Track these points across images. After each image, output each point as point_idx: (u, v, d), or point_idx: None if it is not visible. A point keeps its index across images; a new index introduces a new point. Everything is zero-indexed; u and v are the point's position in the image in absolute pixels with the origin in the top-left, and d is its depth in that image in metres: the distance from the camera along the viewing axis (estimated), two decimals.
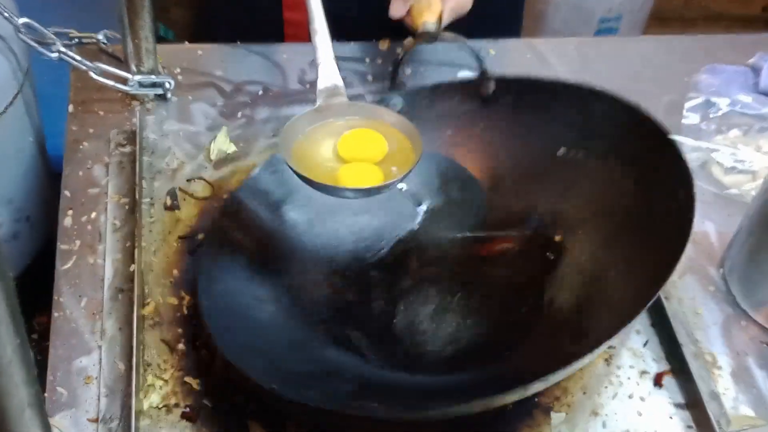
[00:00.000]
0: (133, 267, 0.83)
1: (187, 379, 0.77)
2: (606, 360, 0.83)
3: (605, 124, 0.89)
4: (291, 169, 0.76)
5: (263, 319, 0.80)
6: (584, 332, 0.78)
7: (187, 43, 1.12)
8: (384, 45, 1.11)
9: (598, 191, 0.88)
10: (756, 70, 1.14)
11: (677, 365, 0.82)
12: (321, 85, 0.82)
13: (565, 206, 0.90)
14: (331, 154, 0.80)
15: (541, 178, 0.92)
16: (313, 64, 0.84)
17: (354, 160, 0.79)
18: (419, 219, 0.93)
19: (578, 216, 0.88)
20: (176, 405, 0.75)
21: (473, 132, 0.94)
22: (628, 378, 0.82)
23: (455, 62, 1.10)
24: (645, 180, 0.85)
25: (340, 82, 0.82)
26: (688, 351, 0.81)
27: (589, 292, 0.82)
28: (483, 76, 0.93)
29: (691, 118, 1.07)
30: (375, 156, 0.80)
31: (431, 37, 0.95)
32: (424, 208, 0.93)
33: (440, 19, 0.96)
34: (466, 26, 1.18)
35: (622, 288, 0.80)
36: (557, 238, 0.88)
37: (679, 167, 0.80)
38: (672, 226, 0.77)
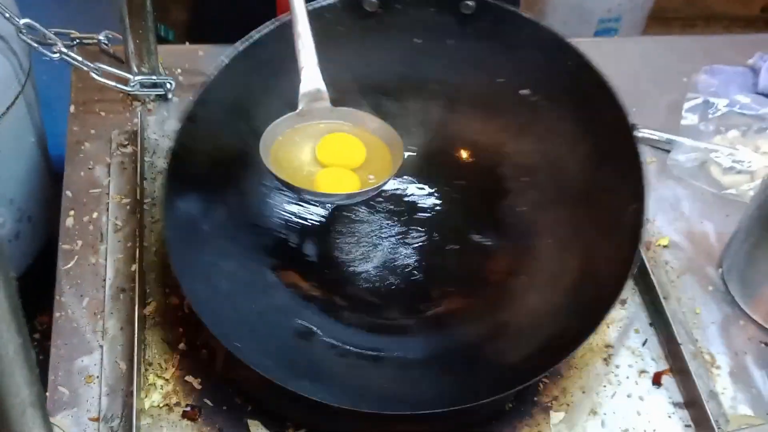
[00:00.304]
0: (134, 267, 0.83)
1: (188, 378, 0.77)
2: (605, 359, 0.83)
3: (570, 80, 0.88)
4: (269, 171, 0.76)
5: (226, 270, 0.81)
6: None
7: (188, 43, 1.13)
8: None
9: (549, 145, 0.88)
10: (755, 71, 1.14)
11: (676, 364, 0.82)
12: (303, 89, 0.81)
13: (515, 148, 0.90)
14: (310, 157, 0.81)
15: (498, 111, 0.92)
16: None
17: (332, 164, 0.80)
18: None
19: (526, 163, 0.89)
20: (177, 404, 0.76)
21: (442, 46, 0.92)
22: (627, 377, 0.82)
23: None
24: (598, 159, 0.85)
25: (323, 87, 0.81)
26: (686, 350, 0.81)
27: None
28: None
29: (689, 119, 1.07)
30: (353, 162, 0.80)
31: None
32: None
33: None
34: None
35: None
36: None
37: (635, 170, 0.81)
38: (622, 226, 0.78)
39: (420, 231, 0.90)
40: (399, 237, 0.90)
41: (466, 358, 0.80)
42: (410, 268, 0.88)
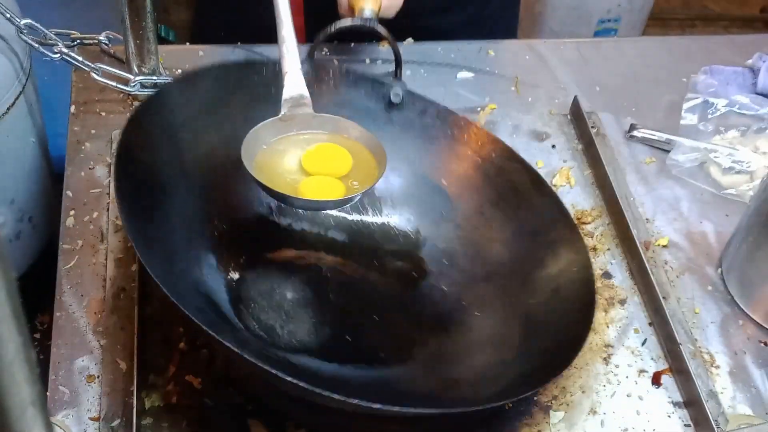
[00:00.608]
0: (134, 266, 0.83)
1: (188, 378, 0.77)
2: (604, 359, 0.83)
3: (495, 171, 0.90)
4: (252, 177, 0.76)
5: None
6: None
7: (188, 44, 1.13)
8: (383, 45, 1.12)
9: (469, 231, 0.90)
10: (754, 71, 1.14)
11: (675, 364, 0.83)
12: (286, 94, 0.81)
13: (434, 234, 0.91)
14: (294, 165, 0.80)
15: (416, 199, 0.93)
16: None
17: (318, 173, 0.80)
18: None
19: (445, 247, 0.90)
20: (177, 404, 0.76)
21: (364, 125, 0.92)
22: (627, 377, 0.82)
23: (454, 63, 1.11)
24: (526, 237, 0.87)
25: (306, 92, 0.81)
26: (686, 350, 0.81)
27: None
28: (396, 81, 0.94)
29: (689, 119, 1.08)
30: (339, 172, 0.80)
31: (367, 24, 0.93)
32: None
33: (379, 9, 0.95)
34: (462, 26, 1.19)
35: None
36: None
37: (573, 240, 0.84)
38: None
39: (343, 298, 0.88)
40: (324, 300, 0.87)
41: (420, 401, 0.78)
42: (343, 329, 0.85)
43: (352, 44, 1.11)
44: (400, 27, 0.99)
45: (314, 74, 0.91)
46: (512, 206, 0.89)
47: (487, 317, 0.84)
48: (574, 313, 0.79)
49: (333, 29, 0.94)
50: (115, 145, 0.88)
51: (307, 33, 1.07)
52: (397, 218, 0.92)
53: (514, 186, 0.90)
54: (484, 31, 1.18)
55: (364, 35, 1.10)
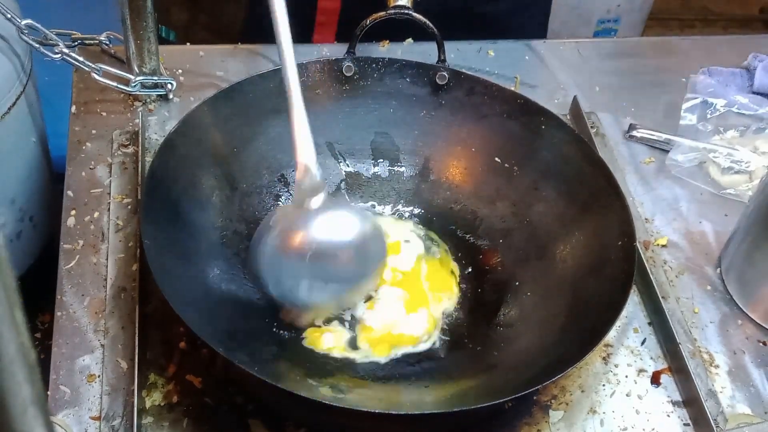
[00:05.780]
0: (135, 266, 0.84)
1: (189, 377, 0.77)
2: (604, 358, 0.83)
3: (546, 143, 0.90)
4: None
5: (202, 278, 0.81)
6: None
7: (188, 44, 1.13)
8: (384, 45, 1.12)
9: (523, 208, 0.90)
10: (750, 71, 1.14)
11: (675, 364, 0.83)
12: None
13: (489, 213, 0.92)
14: None
15: (471, 178, 0.93)
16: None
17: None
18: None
19: (500, 226, 0.90)
20: (178, 403, 0.76)
21: (415, 115, 0.95)
22: (626, 376, 0.82)
23: (454, 63, 1.11)
24: (577, 211, 0.86)
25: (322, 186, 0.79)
26: (685, 349, 0.81)
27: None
28: (440, 64, 0.94)
29: (688, 119, 1.08)
30: None
31: (402, 12, 0.94)
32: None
33: None
34: (494, 24, 1.19)
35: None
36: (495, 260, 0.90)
37: (619, 209, 0.82)
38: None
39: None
40: None
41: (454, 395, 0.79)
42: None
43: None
44: (399, 27, 0.99)
45: (357, 68, 0.92)
46: (564, 178, 0.88)
47: (538, 298, 0.84)
48: (614, 291, 0.77)
49: (369, 22, 0.94)
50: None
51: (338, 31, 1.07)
52: (452, 199, 0.93)
53: (565, 157, 0.89)
54: (517, 28, 1.19)
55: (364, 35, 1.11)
